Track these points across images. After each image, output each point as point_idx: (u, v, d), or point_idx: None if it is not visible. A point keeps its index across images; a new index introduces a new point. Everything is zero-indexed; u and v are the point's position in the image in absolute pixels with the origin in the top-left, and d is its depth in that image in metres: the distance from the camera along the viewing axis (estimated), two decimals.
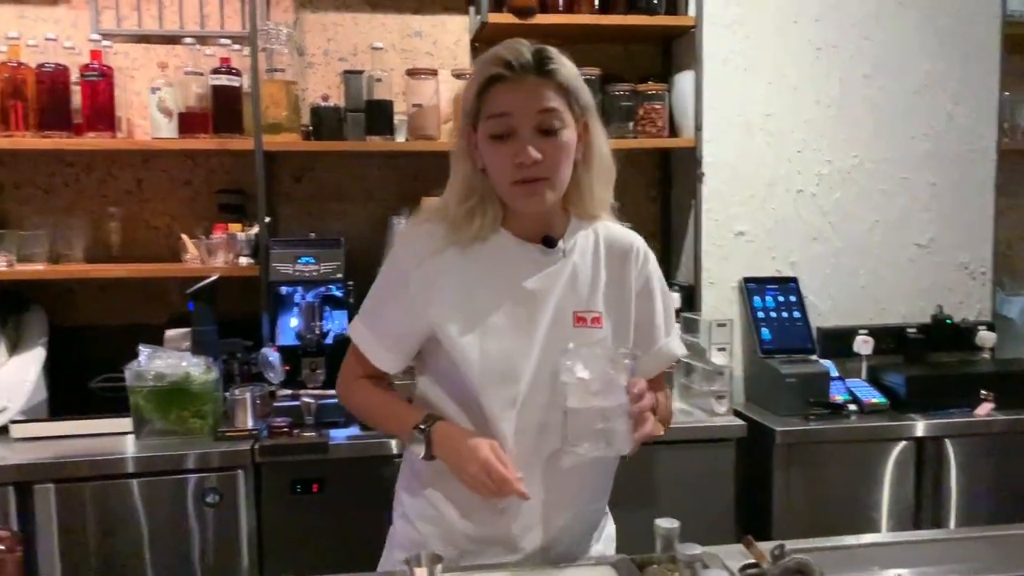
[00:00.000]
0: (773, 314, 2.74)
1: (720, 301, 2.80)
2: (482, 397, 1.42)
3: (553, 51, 1.40)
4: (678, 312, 2.62)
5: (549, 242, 1.45)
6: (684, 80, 2.76)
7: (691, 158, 2.71)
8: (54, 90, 2.41)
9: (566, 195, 1.45)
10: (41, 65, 2.40)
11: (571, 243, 1.48)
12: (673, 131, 2.78)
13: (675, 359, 1.58)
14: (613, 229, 1.52)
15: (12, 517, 2.09)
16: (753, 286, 2.78)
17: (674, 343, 1.56)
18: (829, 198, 2.85)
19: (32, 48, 2.43)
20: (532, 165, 1.35)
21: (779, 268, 2.84)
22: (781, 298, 2.77)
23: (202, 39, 2.62)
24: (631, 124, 2.70)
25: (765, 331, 2.70)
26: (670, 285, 2.66)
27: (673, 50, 2.91)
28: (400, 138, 2.65)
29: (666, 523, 1.26)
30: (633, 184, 2.98)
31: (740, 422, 2.47)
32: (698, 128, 2.67)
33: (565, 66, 1.40)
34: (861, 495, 2.52)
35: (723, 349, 2.50)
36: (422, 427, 1.39)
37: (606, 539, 1.61)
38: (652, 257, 1.55)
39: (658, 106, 2.69)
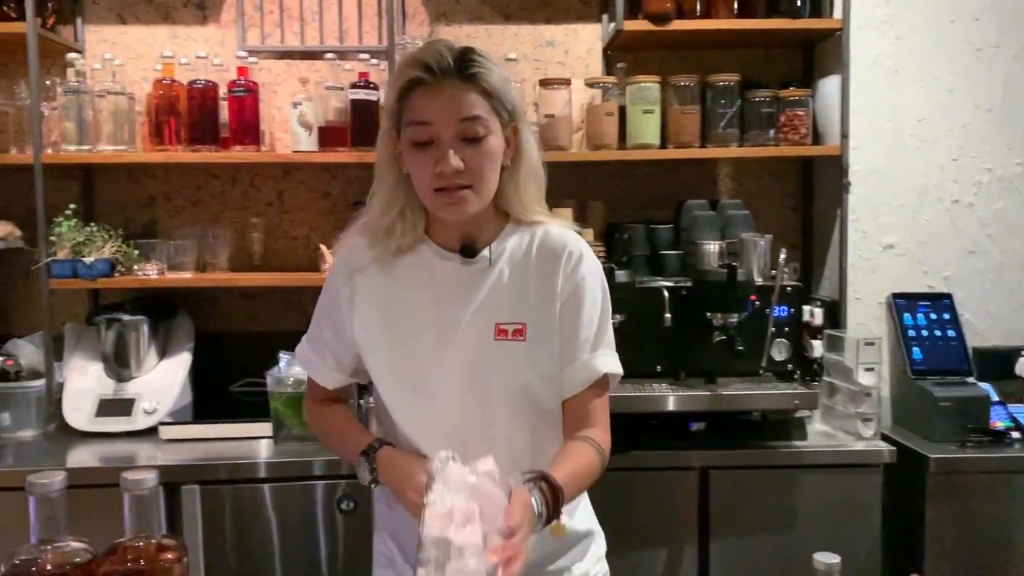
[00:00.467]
0: (925, 332, 2.57)
1: (866, 318, 2.65)
2: (397, 417, 1.39)
3: (479, 53, 1.33)
4: (820, 329, 2.50)
5: (467, 252, 1.39)
6: (829, 85, 2.63)
7: (836, 166, 2.58)
8: (204, 106, 2.51)
9: (501, 199, 1.40)
10: (192, 82, 2.51)
11: (500, 249, 1.41)
12: (817, 138, 2.66)
13: (597, 377, 1.40)
14: (550, 232, 1.43)
15: (161, 515, 2.16)
16: (903, 302, 2.61)
17: (600, 359, 1.41)
18: (988, 208, 2.66)
19: (183, 66, 2.54)
20: (454, 174, 1.29)
21: (931, 283, 2.67)
22: (934, 315, 2.60)
23: (341, 54, 2.68)
24: (772, 131, 2.59)
25: (916, 350, 2.54)
26: (810, 299, 2.59)
27: (816, 54, 2.77)
28: None
29: (827, 558, 1.17)
30: (772, 194, 2.87)
31: (889, 447, 2.32)
32: (844, 135, 2.54)
33: (490, 70, 1.33)
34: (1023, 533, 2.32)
35: (871, 369, 2.36)
36: (366, 452, 1.37)
37: (592, 559, 1.52)
38: (589, 261, 1.43)
39: (801, 112, 2.58)
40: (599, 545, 1.57)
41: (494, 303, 1.39)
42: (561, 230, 1.44)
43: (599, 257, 2.39)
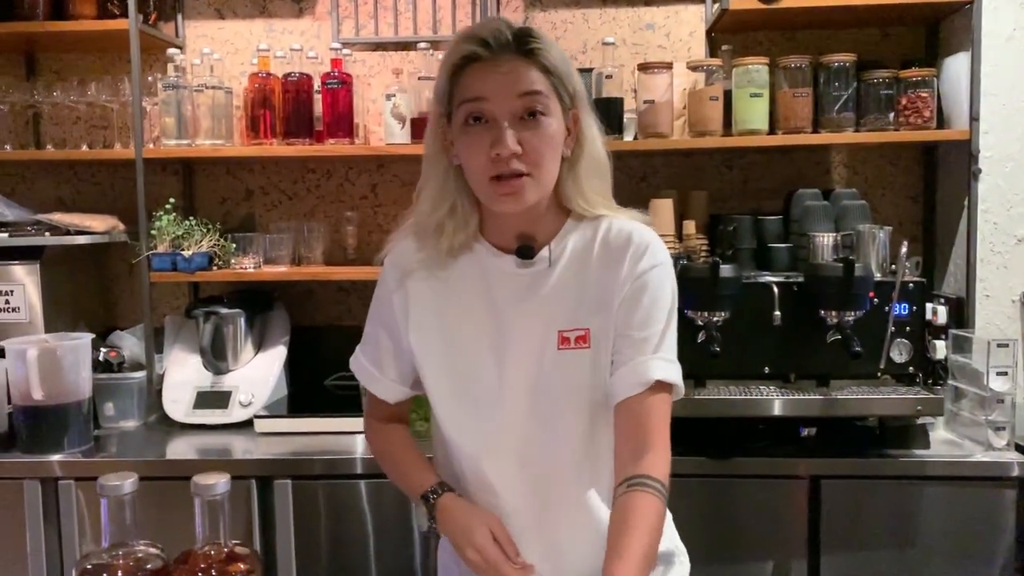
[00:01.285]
0: None
1: (997, 317, 2.44)
2: (453, 434, 1.28)
3: (539, 31, 1.22)
4: (944, 328, 2.31)
5: (524, 253, 1.26)
6: (956, 63, 2.42)
7: (964, 152, 2.37)
8: (298, 99, 2.50)
9: (561, 193, 1.27)
10: (287, 75, 2.50)
11: (560, 248, 1.28)
12: (942, 122, 2.45)
13: (649, 383, 1.23)
14: (617, 225, 1.30)
15: (254, 509, 2.17)
16: None
17: (654, 364, 1.24)
18: None
19: (279, 59, 2.54)
20: (511, 157, 1.17)
21: None
22: None
23: (435, 44, 2.63)
24: (891, 115, 2.40)
25: None
26: (934, 297, 2.39)
27: (942, 30, 2.56)
28: (628, 137, 2.52)
29: None
30: (891, 183, 2.68)
31: (1022, 458, 2.11)
32: (974, 118, 2.33)
33: (552, 48, 1.21)
34: None
35: (1004, 373, 2.15)
36: (425, 497, 1.29)
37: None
38: (656, 253, 1.28)
39: (924, 94, 2.38)
40: (682, 565, 1.45)
41: (555, 308, 1.28)
42: (628, 222, 1.32)
43: (703, 251, 2.32)
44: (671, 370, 1.26)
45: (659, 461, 1.23)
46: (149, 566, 0.92)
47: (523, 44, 1.21)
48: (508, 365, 1.28)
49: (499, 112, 1.20)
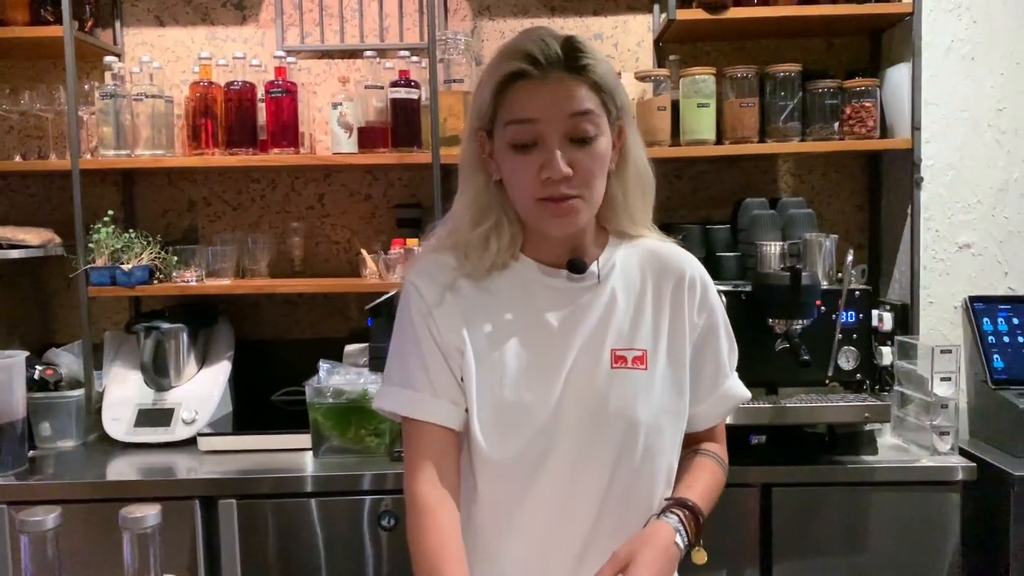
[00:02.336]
0: (1007, 339, 2.38)
1: (940, 323, 2.47)
2: (495, 455, 1.20)
3: (585, 42, 1.17)
4: (890, 335, 2.34)
5: (576, 267, 1.23)
6: (897, 74, 2.46)
7: (906, 161, 2.41)
8: (241, 108, 2.44)
9: (603, 209, 1.24)
10: (230, 83, 2.45)
11: (608, 266, 1.25)
12: (885, 131, 2.49)
13: (741, 402, 1.37)
14: (660, 249, 1.29)
15: (198, 529, 2.10)
16: (981, 306, 2.43)
17: (738, 384, 1.36)
18: None
19: (221, 67, 2.48)
20: (562, 180, 1.13)
21: (1012, 285, 2.48)
22: (1016, 320, 2.41)
23: (382, 52, 2.60)
24: (836, 124, 2.43)
25: (997, 358, 2.36)
26: (879, 303, 2.43)
27: (884, 41, 2.60)
28: None
29: None
30: (837, 191, 2.71)
31: (967, 463, 2.14)
32: (915, 127, 2.37)
33: (600, 61, 1.17)
34: None
35: (947, 379, 2.18)
36: None
37: None
38: (711, 284, 1.32)
39: (868, 103, 2.41)
40: None
41: (608, 326, 1.24)
42: (670, 247, 1.31)
43: None
44: (744, 387, 1.38)
45: (722, 449, 1.38)
46: None
47: (573, 60, 1.15)
48: (555, 384, 1.21)
49: (549, 133, 1.15)
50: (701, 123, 2.41)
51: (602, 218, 1.27)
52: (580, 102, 1.15)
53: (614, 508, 1.23)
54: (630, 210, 1.27)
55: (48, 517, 0.85)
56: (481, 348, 1.23)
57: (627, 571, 1.12)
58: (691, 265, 1.30)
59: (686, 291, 1.27)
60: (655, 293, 1.27)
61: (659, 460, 1.26)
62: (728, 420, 2.03)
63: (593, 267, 1.25)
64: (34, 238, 2.44)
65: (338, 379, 2.26)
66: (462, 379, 1.24)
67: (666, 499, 1.24)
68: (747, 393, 1.37)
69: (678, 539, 1.20)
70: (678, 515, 1.21)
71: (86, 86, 2.50)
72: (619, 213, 1.26)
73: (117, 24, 2.70)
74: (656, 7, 2.67)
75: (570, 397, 1.20)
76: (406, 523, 1.26)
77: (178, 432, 2.36)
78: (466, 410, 1.24)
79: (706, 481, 1.29)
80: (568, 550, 1.23)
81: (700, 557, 1.22)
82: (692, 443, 1.36)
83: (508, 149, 1.18)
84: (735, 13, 2.36)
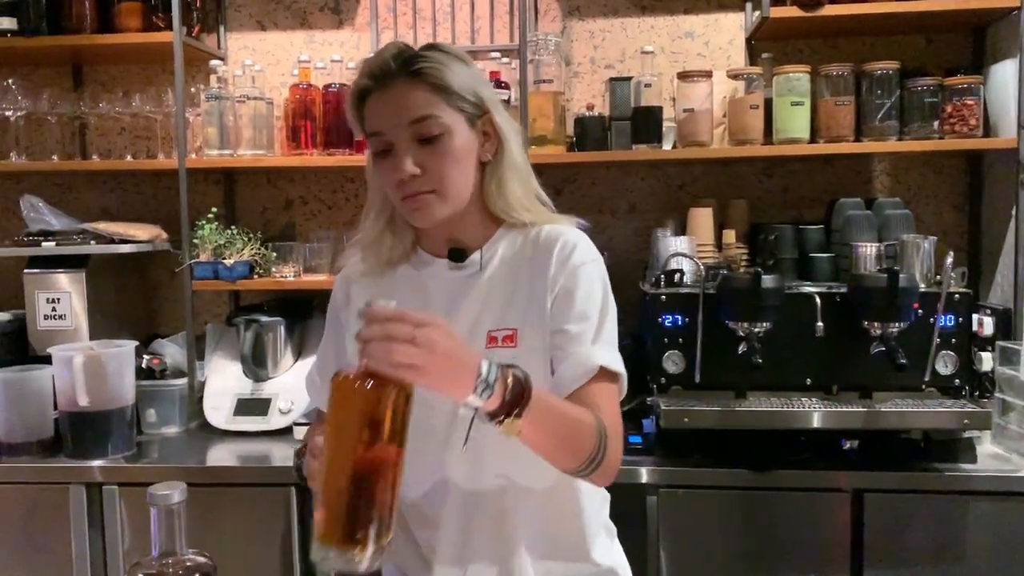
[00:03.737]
0: None
1: None
2: None
3: (437, 47, 1.25)
4: (991, 340, 2.26)
5: (455, 256, 1.30)
6: (1002, 70, 2.38)
7: (1011, 160, 2.32)
8: (339, 110, 2.52)
9: (487, 198, 1.29)
10: (327, 86, 2.53)
11: (491, 253, 1.31)
12: (988, 130, 2.41)
13: (593, 370, 1.23)
14: (547, 229, 1.31)
15: (293, 516, 2.18)
16: None
17: (595, 352, 1.24)
18: None
19: (319, 70, 2.56)
20: (411, 180, 1.21)
21: None
22: None
23: (473, 53, 2.64)
24: (936, 123, 2.37)
25: None
26: (979, 307, 2.35)
27: (988, 36, 2.52)
28: (667, 146, 2.51)
29: None
30: (934, 191, 2.64)
31: None
32: (1021, 125, 2.28)
33: (442, 63, 1.22)
34: None
35: None
36: (298, 449, 1.30)
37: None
38: (585, 251, 1.30)
39: (970, 101, 2.34)
40: None
41: (484, 309, 1.31)
42: (556, 226, 1.33)
43: (743, 261, 2.30)
44: (612, 357, 1.26)
45: (608, 419, 1.21)
46: (198, 574, 0.93)
47: (407, 65, 1.23)
48: None
49: (396, 140, 1.24)
50: (795, 121, 2.38)
51: (488, 207, 1.32)
52: (418, 108, 1.22)
53: (500, 478, 1.29)
54: (507, 197, 1.31)
55: (175, 492, 0.91)
56: None
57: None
58: (567, 235, 1.31)
59: (554, 256, 1.28)
60: (531, 270, 1.30)
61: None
62: (818, 424, 2.06)
63: (475, 256, 1.32)
64: (142, 233, 2.56)
65: None
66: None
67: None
68: (600, 361, 1.24)
69: (483, 365, 1.04)
70: (501, 368, 1.06)
71: (192, 89, 2.62)
72: (496, 201, 1.31)
73: (221, 29, 2.82)
74: (748, 5, 2.64)
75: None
76: None
77: (274, 421, 2.45)
78: None
79: (564, 402, 1.19)
80: (487, 514, 1.30)
81: (512, 429, 1.06)
82: None
83: (373, 159, 1.30)
84: (830, 10, 2.32)
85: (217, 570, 0.95)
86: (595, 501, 1.39)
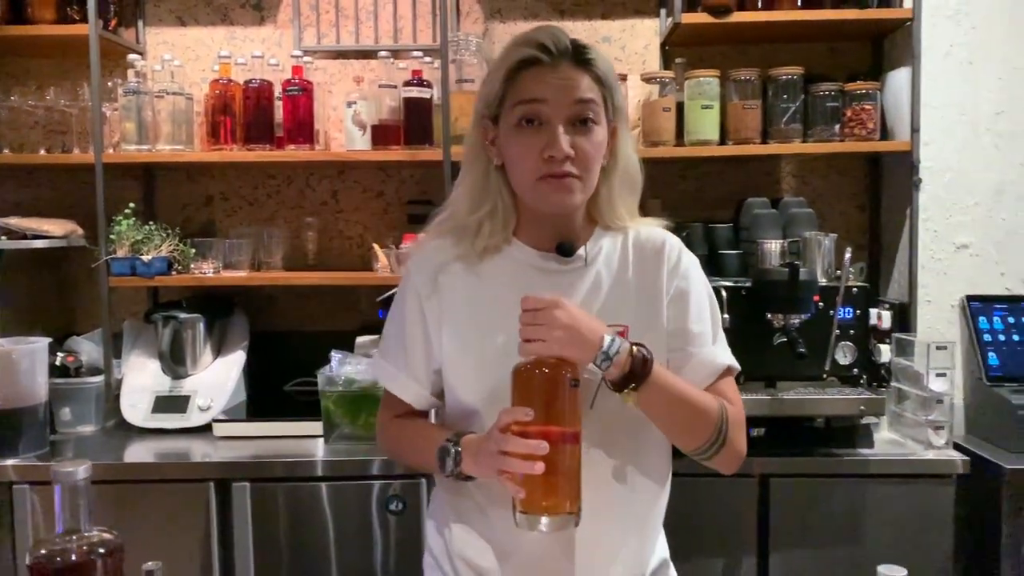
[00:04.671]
0: (1002, 337, 2.44)
1: (938, 322, 2.53)
2: (479, 427, 1.27)
3: (591, 45, 1.28)
4: (888, 332, 2.38)
5: (565, 250, 1.31)
6: (898, 78, 2.51)
7: (906, 163, 2.46)
8: (259, 105, 2.52)
9: (591, 203, 1.32)
10: (248, 81, 2.53)
11: (595, 251, 1.33)
12: (885, 133, 2.54)
13: (720, 370, 1.34)
14: (644, 231, 1.37)
15: (212, 511, 2.18)
16: (978, 305, 2.48)
17: (719, 351, 1.35)
18: None
19: (240, 66, 2.56)
20: (564, 160, 1.23)
21: (1009, 286, 2.53)
22: (1012, 319, 2.46)
23: (395, 53, 2.67)
24: (837, 127, 2.49)
25: (992, 356, 2.41)
26: (878, 302, 2.48)
27: (885, 45, 2.66)
28: None
29: (892, 571, 1.09)
30: (838, 192, 2.77)
31: (961, 457, 2.19)
32: (915, 130, 2.42)
33: (604, 60, 1.27)
34: None
35: (943, 375, 2.23)
36: (449, 441, 1.25)
37: (658, 561, 1.41)
38: (689, 258, 1.38)
39: (868, 106, 2.47)
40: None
41: (592, 306, 1.30)
42: (653, 229, 1.38)
43: None
44: (731, 356, 1.36)
45: (734, 406, 1.32)
46: (102, 550, 0.94)
47: (580, 53, 1.26)
48: None
49: (555, 115, 1.24)
50: (705, 124, 2.48)
51: (592, 211, 1.35)
52: (584, 90, 1.24)
53: (602, 480, 1.30)
54: (614, 205, 1.35)
55: (79, 468, 0.92)
56: (469, 330, 1.31)
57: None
58: (669, 240, 1.37)
59: (664, 261, 1.34)
60: (637, 272, 1.34)
61: (640, 433, 1.31)
62: None
63: (581, 251, 1.33)
64: (57, 229, 2.52)
65: (349, 368, 2.32)
66: (439, 369, 1.36)
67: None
68: (730, 361, 1.36)
69: (606, 338, 1.19)
70: (627, 342, 1.21)
71: (109, 83, 2.59)
72: (604, 208, 1.35)
73: (139, 23, 2.79)
74: (663, 11, 2.74)
75: None
76: (381, 446, 1.50)
77: (194, 418, 2.43)
78: (441, 395, 1.39)
79: (686, 384, 1.28)
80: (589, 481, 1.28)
81: (628, 398, 1.21)
82: None
83: (514, 128, 1.26)
84: (739, 17, 2.43)
85: (124, 548, 0.96)
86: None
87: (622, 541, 1.34)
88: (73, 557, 0.91)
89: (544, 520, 1.14)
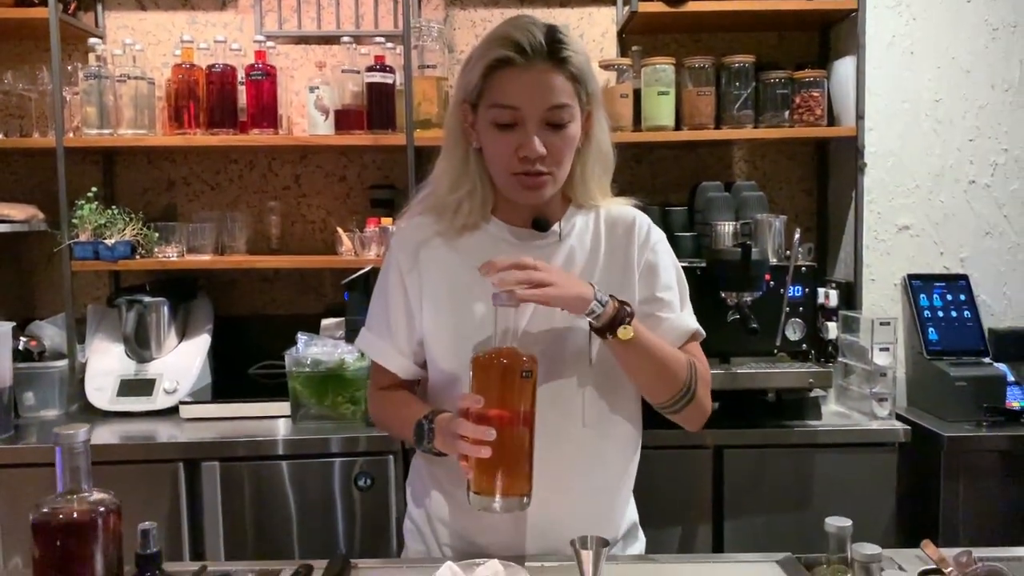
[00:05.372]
0: (940, 313, 2.57)
1: (882, 299, 2.65)
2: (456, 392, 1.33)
3: (565, 33, 1.31)
4: (836, 310, 2.50)
5: (540, 225, 1.38)
6: (844, 66, 2.62)
7: (851, 148, 2.57)
8: (223, 90, 2.54)
9: (565, 183, 1.39)
10: (211, 66, 2.54)
11: (569, 226, 1.41)
12: (832, 120, 2.65)
13: (689, 333, 1.43)
14: (614, 208, 1.44)
15: (182, 490, 2.20)
16: (918, 283, 2.61)
17: (687, 317, 1.44)
18: (1005, 189, 2.65)
19: (202, 51, 2.57)
20: (537, 159, 1.29)
21: (947, 264, 2.67)
22: (950, 296, 2.59)
23: (358, 38, 2.70)
24: (787, 113, 2.59)
25: (932, 331, 2.54)
26: (826, 282, 2.60)
27: (832, 35, 2.77)
28: None
29: (838, 522, 1.19)
30: (788, 176, 2.87)
31: (903, 426, 2.31)
32: (859, 116, 2.53)
33: (578, 52, 1.31)
34: None
35: (886, 349, 2.36)
36: (425, 419, 1.31)
37: (628, 524, 1.50)
38: (658, 233, 1.46)
39: (816, 93, 2.57)
40: (641, 541, 1.56)
41: None
42: (624, 207, 1.45)
43: None
44: (695, 322, 1.45)
45: (705, 390, 1.42)
46: (102, 508, 0.98)
47: (555, 51, 1.27)
48: (522, 331, 1.33)
49: (529, 118, 1.28)
50: (661, 110, 2.56)
51: (566, 188, 1.41)
52: (558, 95, 1.28)
53: (573, 439, 1.37)
54: (588, 185, 1.41)
55: (80, 431, 0.96)
56: (448, 303, 1.37)
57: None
58: (639, 217, 1.45)
59: (634, 236, 1.42)
60: (608, 247, 1.41)
61: (612, 396, 1.40)
62: None
63: (555, 227, 1.40)
64: (18, 213, 2.51)
65: (316, 350, 2.36)
66: (422, 341, 1.41)
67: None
68: (694, 325, 1.44)
69: (593, 287, 1.27)
70: (612, 298, 1.28)
71: (68, 67, 2.58)
72: (578, 187, 1.41)
73: (99, 7, 2.78)
74: (620, 0, 2.81)
75: (530, 340, 1.34)
76: (371, 417, 1.56)
77: (160, 401, 2.45)
78: (425, 366, 1.44)
79: (660, 341, 1.35)
80: (548, 477, 1.34)
81: (626, 333, 1.28)
82: None
83: (490, 127, 1.30)
84: (693, 7, 2.51)
85: (121, 508, 1.01)
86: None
87: (596, 507, 1.42)
88: (75, 515, 0.95)
89: (495, 501, 1.20)
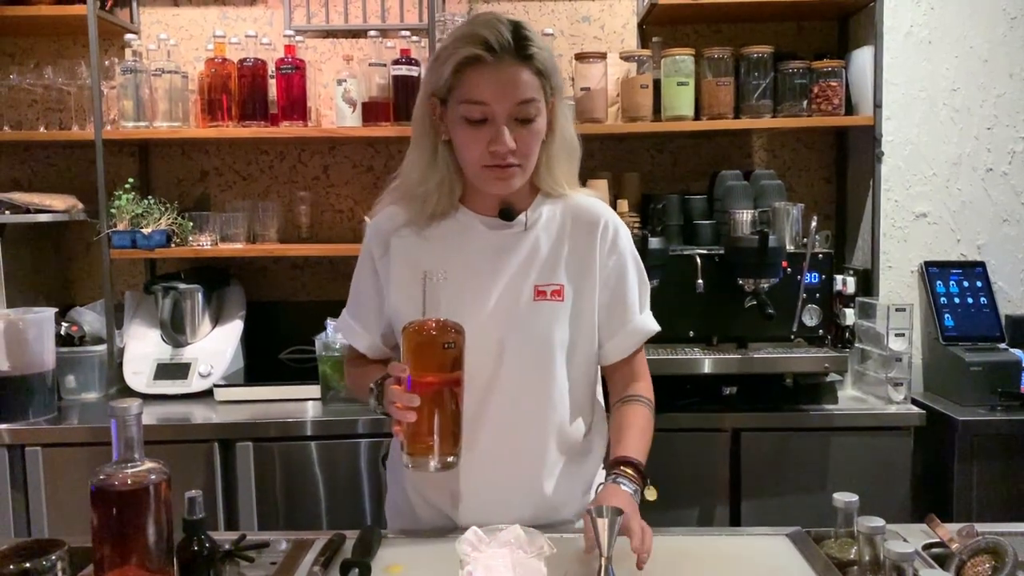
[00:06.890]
0: (957, 300, 2.60)
1: (898, 286, 2.69)
2: None
3: (530, 29, 1.36)
4: (853, 297, 2.55)
5: (507, 215, 1.44)
6: (862, 56, 2.65)
7: (869, 136, 2.61)
8: (254, 83, 2.61)
9: (538, 173, 1.44)
10: (242, 60, 2.62)
11: (535, 216, 1.46)
12: (850, 109, 2.68)
13: (648, 336, 1.53)
14: (581, 201, 1.50)
15: (217, 468, 2.30)
16: (935, 270, 2.65)
17: (648, 319, 1.53)
18: (1022, 177, 2.67)
19: (233, 45, 2.65)
20: (507, 153, 1.34)
21: (964, 252, 2.69)
22: (966, 283, 2.62)
23: (384, 32, 2.77)
24: (805, 103, 2.63)
25: (948, 318, 2.57)
26: (844, 269, 2.64)
27: (850, 25, 2.80)
28: None
29: (845, 497, 1.25)
30: (807, 164, 2.91)
31: (918, 410, 2.36)
32: (877, 105, 2.56)
33: (542, 48, 1.36)
34: None
35: (902, 335, 2.40)
36: (376, 384, 1.37)
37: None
38: (624, 231, 1.51)
39: (834, 83, 2.61)
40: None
41: (531, 266, 1.43)
42: (590, 200, 1.51)
43: (634, 228, 2.52)
44: (654, 321, 1.54)
45: (646, 386, 1.53)
46: (154, 477, 1.06)
47: (521, 48, 1.32)
48: (483, 317, 1.40)
49: (498, 115, 1.33)
50: (680, 100, 2.60)
51: (532, 178, 1.47)
52: (526, 90, 1.33)
53: (525, 425, 1.45)
54: (554, 174, 1.47)
55: (133, 404, 1.04)
56: (413, 287, 1.40)
57: (627, 526, 1.28)
58: (605, 214, 1.50)
59: (599, 236, 1.47)
60: (572, 238, 1.47)
61: (572, 383, 1.47)
62: (703, 370, 2.30)
63: (522, 216, 1.46)
64: (59, 203, 2.61)
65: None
66: (390, 323, 1.49)
67: (614, 458, 1.41)
68: (655, 327, 1.53)
69: (632, 495, 1.36)
70: (627, 473, 1.37)
71: (106, 62, 2.67)
72: (544, 175, 1.46)
73: (134, 4, 2.86)
74: None
75: (494, 327, 1.41)
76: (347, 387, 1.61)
77: (195, 384, 2.55)
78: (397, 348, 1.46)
79: (640, 429, 1.46)
80: (524, 453, 1.45)
81: (651, 494, 1.40)
82: (617, 379, 1.54)
83: (461, 121, 1.35)
84: None
85: (171, 478, 1.09)
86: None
87: (566, 472, 1.49)
88: (129, 482, 1.03)
89: (428, 460, 1.27)
